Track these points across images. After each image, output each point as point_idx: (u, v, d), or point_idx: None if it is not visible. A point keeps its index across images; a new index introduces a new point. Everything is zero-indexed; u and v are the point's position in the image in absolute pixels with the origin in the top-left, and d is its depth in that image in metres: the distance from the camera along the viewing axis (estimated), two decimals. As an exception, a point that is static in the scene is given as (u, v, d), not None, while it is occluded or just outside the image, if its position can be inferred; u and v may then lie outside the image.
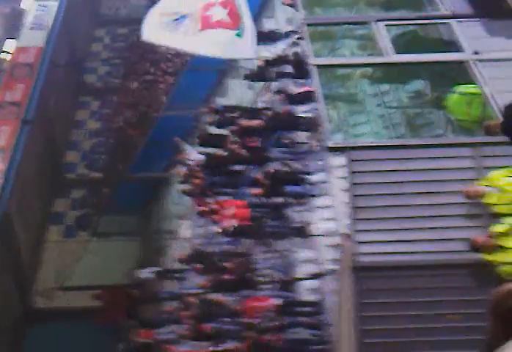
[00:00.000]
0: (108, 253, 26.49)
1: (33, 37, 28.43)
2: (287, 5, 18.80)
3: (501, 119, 10.11)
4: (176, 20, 14.38)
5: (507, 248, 9.70)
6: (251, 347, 14.75)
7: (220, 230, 16.16)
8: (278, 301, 14.90)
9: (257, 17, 21.40)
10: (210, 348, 15.91)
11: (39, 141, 28.16)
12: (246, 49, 15.23)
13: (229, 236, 16.11)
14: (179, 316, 17.63)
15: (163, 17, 14.55)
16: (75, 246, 27.74)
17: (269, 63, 17.67)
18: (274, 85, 19.03)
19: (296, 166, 16.94)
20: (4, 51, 28.48)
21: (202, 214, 18.84)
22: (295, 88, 17.73)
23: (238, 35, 14.96)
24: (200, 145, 19.82)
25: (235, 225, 15.64)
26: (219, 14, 14.71)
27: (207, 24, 14.61)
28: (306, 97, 16.66)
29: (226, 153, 18.18)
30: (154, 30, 14.74)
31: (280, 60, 17.47)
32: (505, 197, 10.18)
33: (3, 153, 23.93)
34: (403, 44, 14.43)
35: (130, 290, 21.14)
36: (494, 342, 2.88)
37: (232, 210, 16.22)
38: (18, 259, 26.06)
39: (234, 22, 14.80)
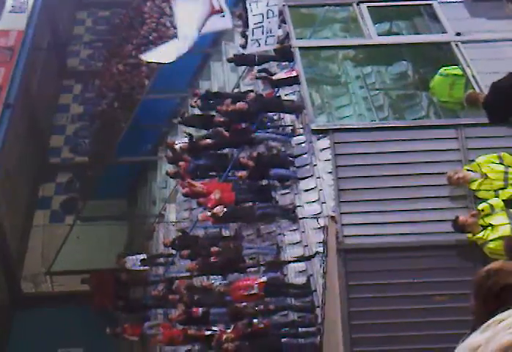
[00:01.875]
0: (94, 237, 26.50)
1: (13, 20, 28.24)
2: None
3: (485, 94, 10.15)
4: None
5: (491, 225, 9.79)
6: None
7: (207, 214, 16.18)
8: (262, 279, 14.97)
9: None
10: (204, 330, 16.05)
11: (22, 125, 28.07)
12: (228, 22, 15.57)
13: (217, 221, 16.14)
14: (167, 299, 17.72)
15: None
16: (62, 231, 27.72)
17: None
18: (257, 68, 19.03)
19: (281, 148, 16.99)
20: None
21: (187, 197, 18.89)
22: (278, 71, 17.76)
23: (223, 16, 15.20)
24: (185, 125, 19.85)
25: (223, 209, 15.66)
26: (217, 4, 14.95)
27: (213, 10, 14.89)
28: (289, 81, 16.70)
29: (210, 136, 18.22)
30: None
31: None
32: (488, 183, 10.27)
33: (-15, 138, 23.86)
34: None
35: (117, 274, 21.17)
36: (478, 321, 2.94)
37: (218, 193, 16.23)
38: (4, 245, 26.03)
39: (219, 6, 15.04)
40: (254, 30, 16.31)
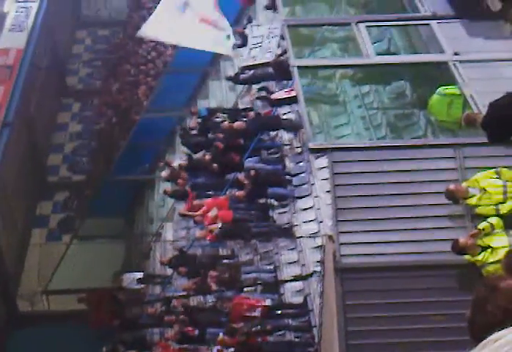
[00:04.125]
0: (91, 256, 26.41)
1: (13, 39, 28.34)
2: (268, 7, 18.87)
3: (483, 114, 10.14)
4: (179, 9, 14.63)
5: (491, 247, 9.74)
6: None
7: (204, 233, 16.15)
8: (267, 302, 14.90)
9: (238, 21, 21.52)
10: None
11: (20, 144, 28.06)
12: (229, 50, 15.63)
13: (215, 239, 16.10)
14: (163, 319, 17.64)
15: (167, 12, 14.79)
16: (59, 249, 27.63)
17: (251, 66, 17.70)
18: (256, 87, 19.06)
19: (278, 167, 16.97)
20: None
21: (184, 216, 18.84)
22: (277, 90, 17.76)
23: (228, 37, 15.26)
24: (184, 146, 19.86)
25: (220, 227, 15.63)
26: (214, 14, 14.96)
27: (205, 19, 14.86)
28: (288, 101, 16.72)
29: (208, 155, 18.19)
30: (153, 25, 14.98)
31: (262, 63, 17.49)
32: (486, 198, 10.23)
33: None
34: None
35: (114, 292, 21.10)
36: (475, 333, 2.93)
37: (215, 212, 16.21)
38: (1, 263, 25.93)
39: (224, 25, 15.09)
40: (252, 49, 16.40)
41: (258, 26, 17.59)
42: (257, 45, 17.36)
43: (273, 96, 17.41)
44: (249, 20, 20.19)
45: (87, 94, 34.49)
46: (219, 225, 15.72)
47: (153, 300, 19.94)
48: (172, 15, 14.72)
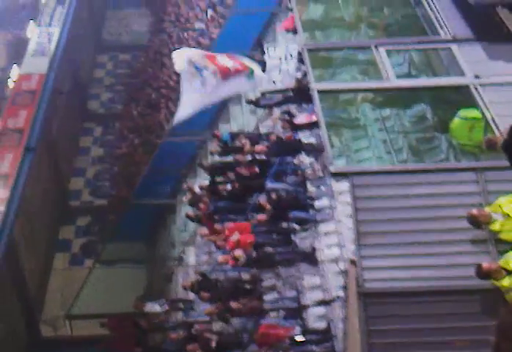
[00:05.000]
0: (114, 281, 26.39)
1: (36, 64, 28.56)
2: (288, 30, 18.94)
3: (504, 137, 10.11)
4: (197, 69, 14.71)
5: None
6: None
7: (226, 258, 16.13)
8: (295, 331, 14.81)
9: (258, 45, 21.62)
10: None
11: (43, 168, 28.21)
12: (259, 82, 15.77)
13: (238, 266, 16.09)
14: (186, 345, 17.56)
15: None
16: (81, 274, 27.65)
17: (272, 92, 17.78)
18: (277, 110, 19.09)
19: (300, 190, 16.94)
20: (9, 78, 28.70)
21: (207, 240, 18.84)
22: (298, 114, 17.78)
23: (251, 73, 15.35)
24: (206, 173, 19.89)
25: (244, 256, 15.62)
26: (230, 63, 15.05)
27: (227, 74, 14.97)
28: (309, 126, 16.73)
29: (231, 179, 18.21)
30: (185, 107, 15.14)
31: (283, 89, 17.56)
32: (510, 223, 10.16)
33: (6, 180, 23.95)
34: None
35: (137, 318, 21.04)
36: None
37: (237, 236, 16.20)
38: (24, 287, 26.00)
39: (243, 66, 15.18)
40: (271, 72, 16.46)
41: (275, 46, 17.62)
42: (276, 68, 17.43)
43: (295, 121, 17.44)
44: (260, 46, 20.34)
45: (109, 118, 34.65)
46: (244, 256, 15.72)
47: (175, 325, 19.86)
48: (196, 97, 14.88)
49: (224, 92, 15.20)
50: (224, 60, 15.05)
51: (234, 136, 19.61)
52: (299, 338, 14.61)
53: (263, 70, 16.88)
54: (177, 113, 15.46)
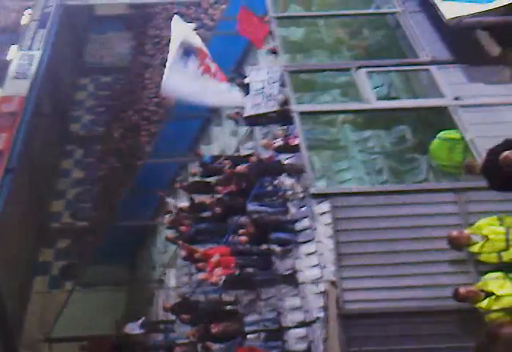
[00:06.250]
0: (94, 303, 26.26)
1: (17, 86, 28.45)
2: (272, 51, 19.03)
3: (482, 161, 10.16)
4: (185, 54, 14.54)
5: (494, 295, 9.65)
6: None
7: (207, 276, 16.11)
8: None
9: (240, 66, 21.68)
10: None
11: (22, 190, 28.03)
12: (239, 99, 15.61)
13: (219, 288, 16.06)
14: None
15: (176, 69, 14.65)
16: (61, 297, 27.49)
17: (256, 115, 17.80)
18: (257, 131, 19.15)
19: (281, 212, 16.95)
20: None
21: (187, 262, 18.79)
22: (278, 135, 17.82)
23: (232, 87, 15.34)
24: (186, 192, 19.90)
25: (224, 278, 15.58)
26: (213, 66, 14.96)
27: (207, 71, 14.85)
28: (291, 149, 16.77)
29: (211, 201, 18.23)
30: (170, 82, 14.84)
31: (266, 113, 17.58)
32: (489, 245, 10.16)
33: (-15, 202, 23.83)
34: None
35: (116, 340, 20.91)
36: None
37: (217, 258, 16.18)
38: (3, 311, 25.75)
39: (224, 77, 15.12)
40: (255, 96, 16.45)
41: (258, 70, 17.62)
42: (259, 91, 17.43)
43: (275, 143, 17.50)
44: (239, 70, 20.41)
45: (90, 140, 34.60)
46: (223, 278, 15.69)
47: (156, 347, 19.78)
48: (180, 72, 14.68)
49: (204, 88, 14.93)
50: (211, 64, 14.92)
51: (215, 158, 19.67)
52: None
53: (246, 93, 16.90)
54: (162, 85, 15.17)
